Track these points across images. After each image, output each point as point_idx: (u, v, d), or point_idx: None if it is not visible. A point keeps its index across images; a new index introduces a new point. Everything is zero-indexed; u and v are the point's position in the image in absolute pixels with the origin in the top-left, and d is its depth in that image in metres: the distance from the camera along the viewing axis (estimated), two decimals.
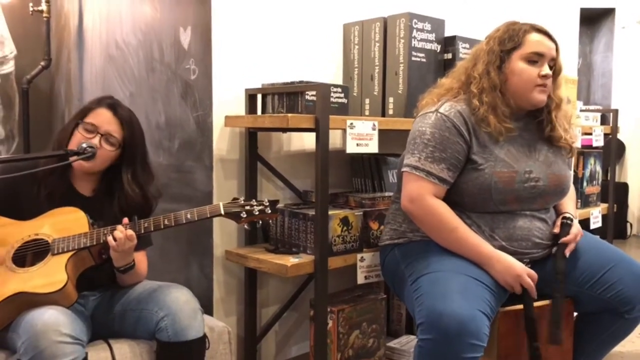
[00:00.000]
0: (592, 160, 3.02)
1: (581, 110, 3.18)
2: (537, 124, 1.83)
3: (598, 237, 1.99)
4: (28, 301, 1.54)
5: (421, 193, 1.69)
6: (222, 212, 1.70)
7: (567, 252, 1.75)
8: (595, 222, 2.96)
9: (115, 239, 1.62)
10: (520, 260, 1.69)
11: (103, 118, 1.73)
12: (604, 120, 3.33)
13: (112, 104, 1.76)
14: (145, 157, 1.83)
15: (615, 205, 3.28)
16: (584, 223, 2.82)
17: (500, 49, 1.74)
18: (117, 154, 1.76)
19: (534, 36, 1.74)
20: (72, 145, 1.69)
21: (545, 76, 1.73)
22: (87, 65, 2.82)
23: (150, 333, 1.67)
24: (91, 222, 1.69)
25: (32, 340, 1.44)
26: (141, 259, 1.80)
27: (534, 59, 1.73)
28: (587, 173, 2.99)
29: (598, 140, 3.02)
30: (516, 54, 1.74)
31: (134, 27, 2.42)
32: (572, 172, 2.01)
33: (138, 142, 1.79)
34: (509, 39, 1.74)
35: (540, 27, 1.77)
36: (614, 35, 5.53)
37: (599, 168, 3.09)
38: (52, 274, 1.59)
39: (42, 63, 3.10)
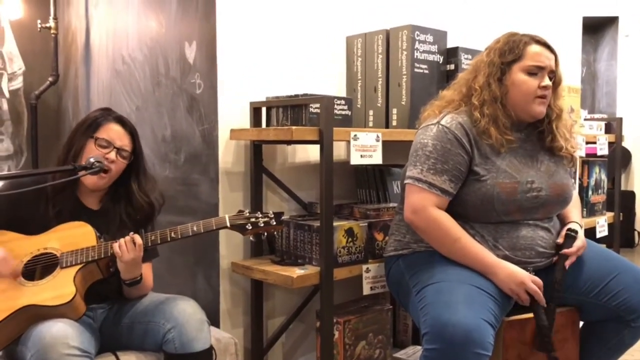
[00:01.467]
0: (597, 169, 3.02)
1: (585, 119, 3.19)
2: (538, 134, 1.84)
3: (604, 245, 1.99)
4: (37, 314, 1.56)
5: (424, 204, 1.70)
6: (228, 224, 1.72)
7: (567, 265, 1.75)
8: (601, 231, 2.95)
9: (119, 246, 1.65)
10: (525, 269, 1.69)
11: (115, 133, 1.76)
12: (609, 129, 3.33)
13: (119, 118, 1.80)
14: (145, 164, 1.87)
15: (621, 213, 3.27)
16: (590, 232, 2.82)
17: (501, 61, 1.75)
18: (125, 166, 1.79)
19: (534, 48, 1.75)
20: (83, 160, 1.71)
21: (545, 87, 1.75)
22: (94, 80, 2.86)
23: (158, 345, 1.68)
24: (98, 235, 1.72)
25: (41, 352, 1.46)
26: (147, 272, 1.82)
27: (534, 71, 1.75)
28: (592, 182, 2.99)
29: (602, 149, 3.03)
30: (516, 66, 1.75)
31: (140, 42, 2.45)
32: (574, 181, 2.02)
33: (141, 151, 1.84)
34: (509, 51, 1.75)
35: (539, 38, 1.78)
36: (617, 44, 5.54)
37: (604, 176, 3.09)
38: (61, 287, 1.61)
39: (50, 79, 3.15)
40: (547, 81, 1.75)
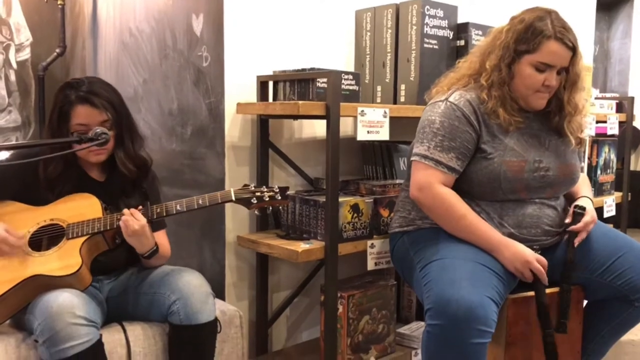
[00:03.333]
0: (606, 149, 2.99)
1: (596, 98, 3.14)
2: (547, 113, 1.81)
3: (611, 225, 1.98)
4: (44, 284, 1.58)
5: (430, 181, 1.69)
6: (233, 198, 1.72)
7: (577, 242, 1.74)
8: (609, 211, 2.94)
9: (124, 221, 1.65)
10: (530, 247, 1.68)
11: (87, 116, 1.68)
12: (620, 108, 3.29)
13: (85, 98, 1.68)
14: (132, 124, 1.81)
15: (630, 194, 3.25)
16: (598, 212, 2.79)
17: (515, 47, 1.69)
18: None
19: (551, 45, 1.66)
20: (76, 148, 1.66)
21: (548, 86, 1.70)
22: (101, 52, 2.84)
23: (163, 316, 1.70)
24: (104, 206, 1.72)
25: (48, 321, 1.48)
26: (162, 241, 1.83)
27: (542, 68, 1.69)
28: (601, 161, 2.96)
29: (613, 129, 2.99)
30: (527, 57, 1.69)
31: (147, 14, 2.43)
32: (581, 161, 2.00)
33: (123, 112, 1.76)
34: (525, 41, 1.68)
35: (562, 34, 1.67)
36: (632, 22, 5.44)
37: (613, 156, 3.06)
38: (67, 257, 1.62)
39: (57, 50, 3.13)
40: (552, 81, 1.70)
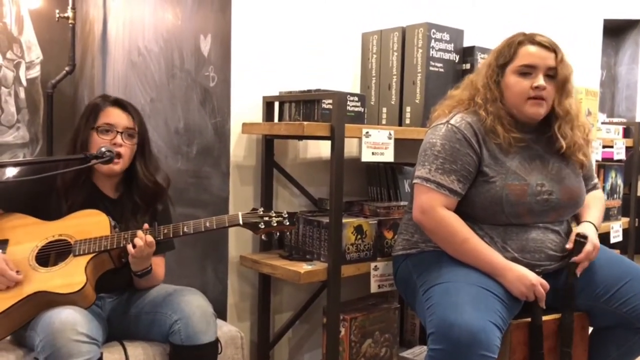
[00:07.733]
0: (613, 174, 2.98)
1: (603, 123, 3.14)
2: (550, 137, 1.81)
3: (617, 251, 1.96)
4: (47, 300, 1.58)
5: (432, 205, 1.69)
6: (241, 223, 1.71)
7: (579, 272, 1.72)
8: (616, 237, 2.91)
9: (134, 246, 1.64)
10: (533, 271, 1.67)
11: (115, 116, 1.77)
12: (627, 133, 3.28)
13: (117, 100, 1.81)
14: (150, 145, 1.86)
15: (637, 219, 3.23)
16: (604, 237, 2.78)
17: (496, 63, 1.75)
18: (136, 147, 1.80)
19: (527, 48, 1.72)
20: (93, 150, 1.72)
21: (537, 87, 1.70)
22: (110, 71, 2.88)
23: (164, 336, 1.69)
24: (113, 224, 1.72)
25: (49, 338, 1.47)
26: (159, 263, 1.83)
27: (526, 71, 1.72)
28: (608, 186, 2.95)
29: (619, 154, 2.98)
30: (509, 68, 1.74)
31: (156, 34, 2.46)
32: (597, 180, 1.98)
33: (145, 129, 1.84)
34: (504, 54, 1.74)
35: (538, 38, 1.73)
36: (639, 47, 5.45)
37: (620, 181, 3.05)
38: (72, 275, 1.62)
39: (67, 68, 3.17)
40: (540, 81, 1.70)
